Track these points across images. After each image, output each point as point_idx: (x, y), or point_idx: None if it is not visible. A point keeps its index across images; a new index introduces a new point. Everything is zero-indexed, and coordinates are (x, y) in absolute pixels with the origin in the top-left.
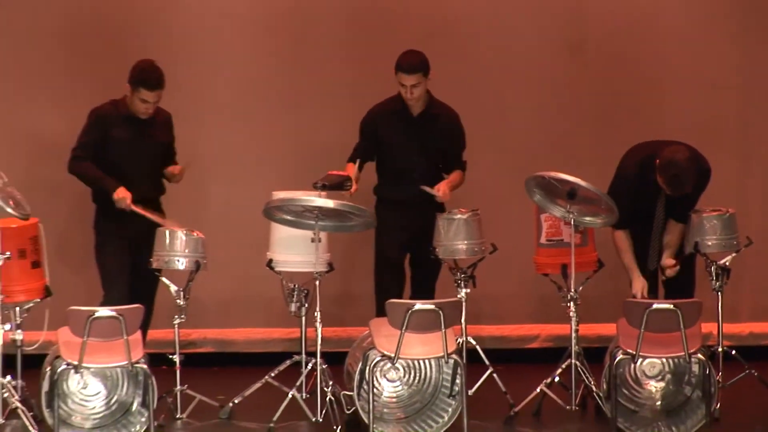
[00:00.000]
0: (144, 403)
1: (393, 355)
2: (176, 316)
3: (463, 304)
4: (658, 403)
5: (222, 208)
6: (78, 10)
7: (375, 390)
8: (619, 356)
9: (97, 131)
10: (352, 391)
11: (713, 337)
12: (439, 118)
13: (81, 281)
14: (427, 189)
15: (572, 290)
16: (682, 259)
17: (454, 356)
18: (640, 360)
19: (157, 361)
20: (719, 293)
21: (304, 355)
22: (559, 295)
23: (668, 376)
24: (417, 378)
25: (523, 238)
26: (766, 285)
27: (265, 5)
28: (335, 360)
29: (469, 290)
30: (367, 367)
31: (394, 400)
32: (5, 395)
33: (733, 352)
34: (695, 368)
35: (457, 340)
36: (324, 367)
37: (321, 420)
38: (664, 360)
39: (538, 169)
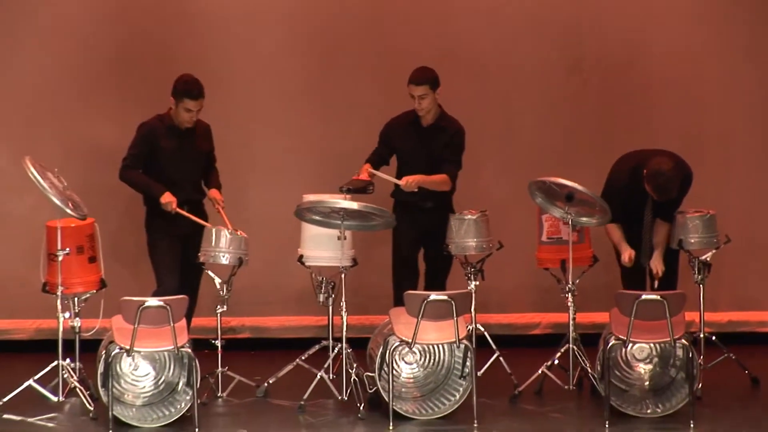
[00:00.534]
0: (188, 383)
1: (410, 340)
2: (218, 306)
3: (473, 295)
4: (647, 383)
5: (259, 209)
6: (129, 36)
7: (394, 371)
8: (612, 341)
9: (145, 143)
10: (374, 372)
11: (696, 324)
12: (446, 130)
13: (132, 274)
14: (389, 178)
15: (570, 283)
16: (667, 258)
17: (464, 341)
18: (630, 345)
19: (201, 345)
20: (701, 285)
21: (331, 341)
22: (558, 287)
23: (655, 359)
24: (432, 361)
25: (526, 236)
26: (743, 278)
27: (298, 28)
28: (359, 345)
29: (478, 283)
30: (387, 351)
31: (411, 380)
32: (65, 376)
33: (713, 338)
34: (679, 352)
35: (467, 327)
36: (349, 351)
37: (346, 398)
38: (652, 345)
39: (540, 175)
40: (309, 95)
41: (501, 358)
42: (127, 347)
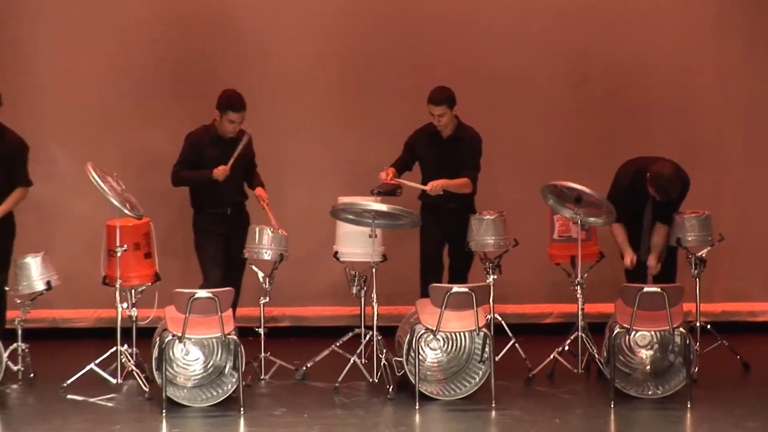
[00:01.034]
0: (234, 367)
1: (435, 328)
2: (261, 297)
3: (491, 287)
4: (648, 367)
5: (298, 209)
6: (182, 55)
7: (420, 357)
8: (617, 329)
9: (192, 152)
10: (402, 357)
11: (692, 314)
12: (464, 139)
13: (183, 269)
14: (416, 185)
15: (579, 276)
16: (665, 256)
17: (483, 329)
18: (633, 332)
19: (246, 333)
20: (697, 279)
21: (363, 329)
22: (569, 281)
23: (656, 345)
24: (454, 347)
25: (539, 234)
26: (736, 272)
27: (332, 48)
28: (388, 332)
29: (496, 276)
30: (414, 338)
31: (435, 365)
32: (123, 360)
33: (709, 326)
34: (678, 339)
35: (486, 316)
36: (379, 338)
37: (377, 381)
38: (653, 333)
39: (552, 179)
40: (343, 108)
41: (516, 345)
42: (179, 334)
